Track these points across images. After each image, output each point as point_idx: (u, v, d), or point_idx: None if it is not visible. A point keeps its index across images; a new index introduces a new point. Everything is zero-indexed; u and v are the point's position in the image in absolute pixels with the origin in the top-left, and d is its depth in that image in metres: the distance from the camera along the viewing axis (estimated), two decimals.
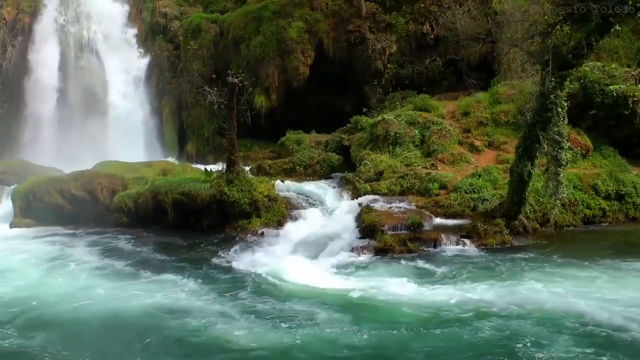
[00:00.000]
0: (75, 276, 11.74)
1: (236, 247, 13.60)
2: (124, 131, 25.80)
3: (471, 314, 9.21)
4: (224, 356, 8.11)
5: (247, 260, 12.52)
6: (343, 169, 19.61)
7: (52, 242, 14.67)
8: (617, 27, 12.26)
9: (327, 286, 10.72)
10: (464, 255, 12.54)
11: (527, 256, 12.34)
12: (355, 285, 10.70)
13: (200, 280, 11.26)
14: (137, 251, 13.61)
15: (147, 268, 12.19)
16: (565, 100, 12.71)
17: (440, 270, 11.56)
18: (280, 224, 15.06)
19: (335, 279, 11.19)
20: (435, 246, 13.19)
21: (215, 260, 12.75)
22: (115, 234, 15.26)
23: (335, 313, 9.37)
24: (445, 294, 10.09)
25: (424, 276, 11.24)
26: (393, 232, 13.53)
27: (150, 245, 14.16)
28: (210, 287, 10.86)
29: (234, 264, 12.39)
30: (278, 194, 16.09)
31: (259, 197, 15.22)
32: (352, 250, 12.95)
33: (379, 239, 13.16)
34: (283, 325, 8.98)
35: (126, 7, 28.64)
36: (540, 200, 14.46)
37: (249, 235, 14.53)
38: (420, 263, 12.06)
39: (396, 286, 10.54)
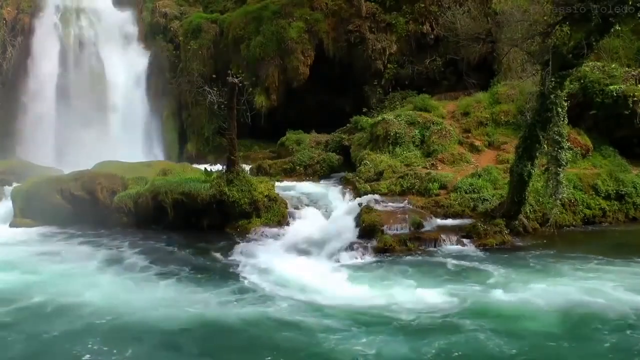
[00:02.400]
0: (77, 276, 11.71)
1: (236, 247, 13.58)
2: (123, 131, 25.82)
3: (468, 315, 9.17)
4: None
5: (247, 260, 12.50)
6: (343, 169, 19.61)
7: (53, 242, 14.66)
8: (617, 27, 12.24)
9: (326, 286, 10.69)
10: (464, 255, 12.53)
11: (527, 256, 12.33)
12: (355, 285, 10.69)
13: (200, 281, 11.25)
14: (137, 251, 13.54)
15: (148, 268, 12.18)
16: (565, 100, 12.70)
17: (440, 270, 11.53)
18: (280, 224, 15.05)
19: (335, 279, 11.17)
20: (435, 246, 13.19)
21: (215, 261, 12.73)
22: (115, 234, 15.22)
23: (335, 313, 9.34)
24: (444, 295, 10.04)
25: (424, 276, 11.20)
26: (393, 232, 13.53)
27: (150, 245, 14.11)
28: (210, 287, 10.83)
29: (234, 264, 12.36)
30: (278, 194, 16.08)
31: (259, 197, 15.22)
32: (352, 250, 12.93)
33: (378, 239, 13.16)
34: (286, 323, 9.00)
35: (126, 7, 28.63)
36: (540, 200, 14.46)
37: (249, 235, 14.53)
38: (419, 263, 12.03)
39: (396, 286, 10.52)
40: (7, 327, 9.00)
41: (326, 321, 9.06)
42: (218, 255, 13.12)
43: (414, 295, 10.10)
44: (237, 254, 13.03)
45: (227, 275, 11.68)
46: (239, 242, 13.94)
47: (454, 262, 12.06)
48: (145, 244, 14.22)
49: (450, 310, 9.42)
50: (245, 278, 11.37)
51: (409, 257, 12.48)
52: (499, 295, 10.03)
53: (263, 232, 14.60)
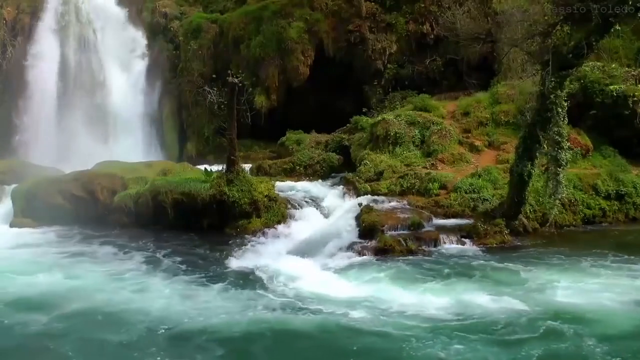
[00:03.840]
0: (79, 275, 11.72)
1: (236, 247, 13.59)
2: (123, 131, 25.81)
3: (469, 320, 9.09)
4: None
5: (248, 260, 12.51)
6: (343, 169, 19.60)
7: (52, 242, 14.65)
8: (617, 27, 12.26)
9: (326, 285, 10.69)
10: (464, 256, 12.52)
11: (527, 256, 12.31)
12: (355, 285, 10.69)
13: (200, 281, 11.25)
14: (137, 252, 13.55)
15: (148, 268, 12.19)
16: (565, 100, 12.70)
17: (439, 270, 11.51)
18: (280, 224, 15.05)
19: (335, 279, 11.17)
20: (435, 246, 13.19)
21: (215, 261, 12.73)
22: (115, 234, 15.24)
23: (334, 312, 9.34)
24: (445, 296, 10.03)
25: (423, 276, 11.20)
26: (393, 232, 13.53)
27: (150, 245, 14.11)
28: (210, 287, 10.85)
29: (234, 264, 12.37)
30: (278, 194, 16.08)
31: (259, 197, 15.22)
32: (352, 250, 12.94)
33: (379, 239, 13.16)
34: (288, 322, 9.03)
35: (126, 7, 28.61)
36: (540, 200, 14.46)
37: (249, 235, 14.53)
38: (419, 263, 12.03)
39: (395, 286, 10.52)
40: (63, 336, 8.65)
41: (325, 317, 9.07)
42: (218, 255, 13.10)
43: (411, 294, 10.09)
44: (237, 254, 13.01)
45: (227, 275, 11.66)
46: (239, 242, 13.93)
47: (454, 262, 12.03)
48: (145, 244, 14.21)
49: (521, 313, 9.17)
50: (245, 278, 11.38)
51: (408, 257, 12.45)
52: (553, 295, 9.93)
53: (263, 232, 14.60)
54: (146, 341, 8.46)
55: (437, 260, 12.26)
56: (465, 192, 15.46)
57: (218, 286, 10.89)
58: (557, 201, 13.38)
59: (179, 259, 12.88)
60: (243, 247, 13.59)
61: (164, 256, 13.10)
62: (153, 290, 10.73)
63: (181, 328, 8.91)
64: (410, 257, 12.45)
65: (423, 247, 13.05)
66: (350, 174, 18.04)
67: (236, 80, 15.13)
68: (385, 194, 15.95)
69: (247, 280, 11.28)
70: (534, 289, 10.29)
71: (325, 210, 15.97)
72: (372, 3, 24.87)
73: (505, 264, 11.81)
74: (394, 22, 24.51)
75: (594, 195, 15.57)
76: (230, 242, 14.08)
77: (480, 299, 9.75)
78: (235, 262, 12.49)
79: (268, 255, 12.83)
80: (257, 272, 11.66)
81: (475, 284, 10.62)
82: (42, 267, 12.13)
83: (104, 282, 11.25)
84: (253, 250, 13.29)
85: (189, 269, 12.06)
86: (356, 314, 9.31)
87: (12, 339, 8.66)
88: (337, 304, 9.74)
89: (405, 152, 18.29)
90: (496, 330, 8.58)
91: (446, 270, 11.43)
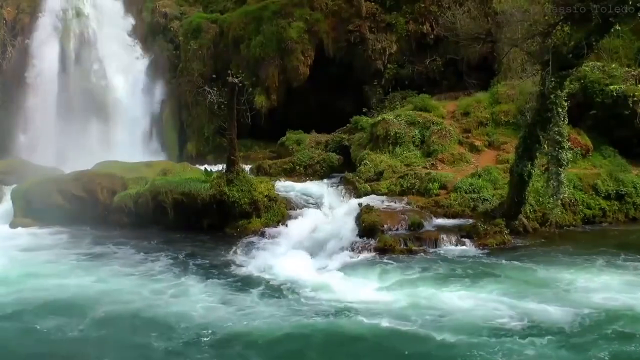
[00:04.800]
0: (105, 278, 11.65)
1: (236, 247, 13.59)
2: (123, 131, 25.81)
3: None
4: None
5: (247, 260, 12.53)
6: (343, 169, 19.59)
7: (63, 243, 14.59)
8: (617, 27, 12.24)
9: (325, 285, 10.68)
10: (464, 255, 12.52)
11: (527, 256, 12.31)
12: (355, 285, 10.68)
13: (200, 281, 11.24)
14: (137, 252, 13.57)
15: (148, 268, 12.19)
16: (565, 100, 12.69)
17: (439, 270, 11.52)
18: (280, 224, 15.05)
19: (335, 279, 11.15)
20: (435, 246, 13.18)
21: (215, 261, 12.72)
22: (115, 234, 15.23)
23: (335, 312, 9.35)
24: (445, 296, 10.01)
25: (423, 276, 11.20)
26: (393, 232, 13.54)
27: (150, 245, 14.12)
28: (210, 287, 10.85)
29: (234, 264, 12.38)
30: (278, 194, 16.08)
31: (259, 197, 15.22)
32: (352, 250, 12.94)
33: (378, 239, 13.16)
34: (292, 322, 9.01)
35: (126, 7, 28.59)
36: (540, 200, 14.46)
37: (249, 235, 14.53)
38: (419, 263, 12.02)
39: (394, 286, 10.54)
40: (100, 341, 8.42)
41: (325, 316, 9.06)
42: (218, 255, 13.11)
43: (410, 294, 10.08)
44: (237, 254, 13.06)
45: (227, 275, 11.66)
46: (239, 242, 13.92)
47: (454, 262, 12.02)
48: (145, 244, 14.18)
49: (567, 313, 8.99)
50: (245, 278, 11.39)
51: (408, 257, 12.45)
52: (585, 294, 9.80)
53: (263, 232, 14.60)
54: (144, 336, 8.43)
55: (436, 260, 12.23)
56: (465, 192, 15.46)
57: (218, 286, 10.88)
58: (559, 201, 13.37)
59: (173, 258, 12.86)
60: (243, 247, 13.58)
61: (160, 256, 13.07)
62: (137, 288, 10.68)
63: (183, 328, 8.88)
64: (410, 257, 12.44)
65: (423, 247, 13.04)
66: (350, 174, 18.04)
67: (236, 80, 15.14)
68: (385, 194, 15.95)
69: (249, 280, 11.27)
70: (562, 289, 10.17)
71: (325, 210, 15.96)
72: (372, 3, 24.86)
73: (517, 263, 11.78)
74: (394, 22, 24.50)
75: (594, 195, 15.56)
76: (230, 242, 14.07)
77: (517, 300, 9.56)
78: (235, 262, 12.50)
79: (267, 254, 12.83)
80: (258, 272, 11.66)
81: (500, 285, 10.43)
82: (64, 270, 11.99)
83: (133, 285, 11.11)
84: (252, 250, 13.28)
85: (179, 268, 12.05)
86: (348, 312, 9.27)
87: (49, 345, 8.39)
88: (348, 305, 9.64)
89: (405, 152, 18.29)
90: (555, 332, 8.26)
91: (459, 270, 11.36)
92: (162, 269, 12.05)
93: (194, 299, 10.16)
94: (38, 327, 8.89)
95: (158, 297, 10.32)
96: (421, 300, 9.77)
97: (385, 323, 8.83)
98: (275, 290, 10.58)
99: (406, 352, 7.95)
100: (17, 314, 9.45)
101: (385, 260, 12.28)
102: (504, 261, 11.95)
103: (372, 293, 10.28)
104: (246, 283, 11.07)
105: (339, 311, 9.39)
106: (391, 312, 9.25)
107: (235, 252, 13.21)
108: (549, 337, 8.10)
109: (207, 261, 12.68)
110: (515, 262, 11.85)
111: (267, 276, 11.40)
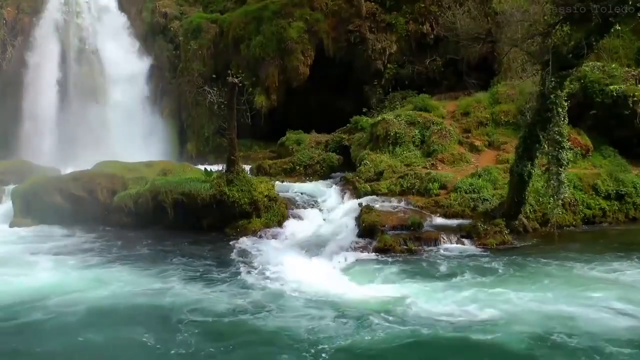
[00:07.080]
0: (82, 275, 11.70)
1: (236, 247, 13.60)
2: (123, 131, 25.80)
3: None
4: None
5: (247, 261, 12.51)
6: (343, 169, 19.62)
7: (71, 244, 14.50)
8: (617, 27, 12.23)
9: (325, 285, 10.67)
10: (464, 255, 12.52)
11: (527, 256, 12.30)
12: (355, 285, 10.68)
13: (199, 281, 11.24)
14: (137, 252, 13.58)
15: (148, 268, 12.17)
16: (565, 100, 12.69)
17: (439, 270, 11.53)
18: (280, 224, 15.06)
19: (335, 279, 11.16)
20: (435, 246, 13.19)
21: (215, 261, 12.70)
22: (115, 234, 15.23)
23: (335, 312, 9.32)
24: (446, 297, 10.01)
25: (423, 276, 11.20)
26: (393, 232, 13.53)
27: (150, 245, 14.13)
28: (210, 287, 10.83)
29: (234, 264, 12.36)
30: (278, 194, 16.08)
31: (259, 197, 15.22)
32: (352, 250, 12.94)
33: (378, 239, 13.16)
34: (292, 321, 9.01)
35: (127, 7, 28.61)
36: (541, 200, 14.45)
37: (249, 235, 14.54)
38: (419, 263, 12.03)
39: (394, 285, 10.53)
40: (143, 348, 8.22)
41: (326, 315, 9.05)
42: (218, 255, 13.11)
43: (410, 294, 10.09)
44: (237, 254, 13.03)
45: (227, 275, 11.63)
46: (239, 242, 13.93)
47: (454, 262, 12.02)
48: (145, 244, 14.19)
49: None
50: (245, 278, 11.36)
51: (408, 257, 12.46)
52: (608, 293, 9.80)
53: (263, 232, 14.60)
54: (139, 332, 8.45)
55: (445, 259, 12.22)
56: (465, 192, 15.46)
57: (218, 286, 10.86)
58: (560, 201, 13.37)
59: (173, 258, 12.84)
60: (243, 247, 13.58)
61: (160, 256, 13.07)
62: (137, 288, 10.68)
63: (182, 327, 8.87)
64: (410, 257, 12.45)
65: (423, 247, 13.05)
66: (350, 174, 18.05)
67: (236, 80, 15.14)
68: (385, 194, 15.95)
69: (249, 280, 11.25)
70: (563, 288, 10.14)
71: (325, 210, 15.97)
72: (372, 3, 24.88)
73: (517, 263, 11.76)
74: (394, 22, 24.52)
75: (594, 195, 15.56)
76: (230, 242, 14.07)
77: (518, 300, 9.56)
78: (235, 262, 12.48)
79: (267, 254, 12.82)
80: (258, 273, 11.64)
81: (500, 285, 10.40)
82: (64, 269, 11.91)
83: (134, 285, 11.02)
84: (252, 250, 13.27)
85: (179, 268, 12.01)
86: (349, 312, 9.25)
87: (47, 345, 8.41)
88: (348, 305, 9.63)
89: (405, 152, 18.29)
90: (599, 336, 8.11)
91: (459, 270, 11.34)
92: (162, 269, 12.02)
93: (194, 299, 10.13)
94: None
95: (157, 297, 10.30)
96: (421, 300, 9.74)
97: (385, 323, 8.81)
98: (275, 291, 10.56)
99: (406, 352, 7.97)
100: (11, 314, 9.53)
101: (386, 260, 12.29)
102: (503, 261, 11.93)
103: (372, 293, 10.26)
104: (246, 283, 11.05)
105: (339, 311, 9.36)
106: (391, 312, 9.23)
107: (235, 253, 13.20)
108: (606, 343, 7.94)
109: (207, 261, 12.66)
110: (515, 262, 11.82)
111: (266, 276, 11.38)
